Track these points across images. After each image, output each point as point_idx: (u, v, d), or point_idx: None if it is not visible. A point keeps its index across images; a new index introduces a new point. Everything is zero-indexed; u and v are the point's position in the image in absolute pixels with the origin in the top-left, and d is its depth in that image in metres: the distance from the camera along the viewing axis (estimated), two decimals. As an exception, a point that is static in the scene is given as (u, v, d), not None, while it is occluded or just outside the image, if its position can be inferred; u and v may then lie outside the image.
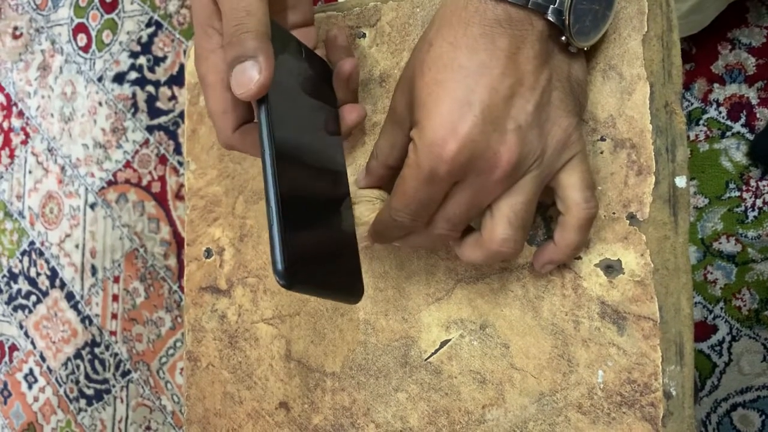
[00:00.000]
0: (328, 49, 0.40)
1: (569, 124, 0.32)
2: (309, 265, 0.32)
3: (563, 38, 0.32)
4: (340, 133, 0.40)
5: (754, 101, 0.87)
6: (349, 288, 0.35)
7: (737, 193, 0.87)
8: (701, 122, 0.89)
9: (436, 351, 0.40)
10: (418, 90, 0.32)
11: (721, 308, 0.87)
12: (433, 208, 0.33)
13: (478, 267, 0.39)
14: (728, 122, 0.88)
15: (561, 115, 0.32)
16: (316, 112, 0.38)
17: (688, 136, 0.90)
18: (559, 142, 0.32)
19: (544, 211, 0.37)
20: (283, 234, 0.30)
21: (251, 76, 0.31)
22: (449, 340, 0.40)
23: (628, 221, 0.35)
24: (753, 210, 0.86)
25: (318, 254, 0.33)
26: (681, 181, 0.34)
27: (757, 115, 0.86)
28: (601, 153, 0.36)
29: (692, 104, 0.90)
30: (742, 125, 0.87)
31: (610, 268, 0.35)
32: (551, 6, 0.30)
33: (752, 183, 0.86)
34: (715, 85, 0.89)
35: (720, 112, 0.88)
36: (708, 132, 0.89)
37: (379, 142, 0.38)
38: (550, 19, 0.31)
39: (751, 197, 0.86)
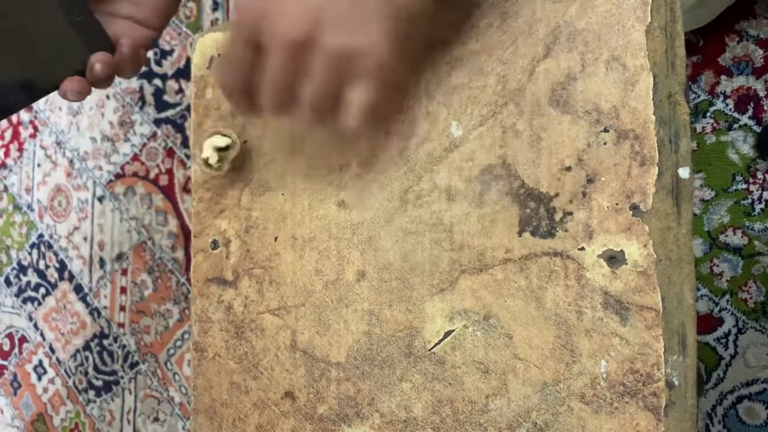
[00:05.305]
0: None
1: (376, 43, 0.34)
2: None
3: None
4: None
5: (761, 93, 0.86)
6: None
7: (744, 186, 0.86)
8: (708, 114, 0.89)
9: (440, 341, 0.40)
10: None
11: (727, 301, 0.87)
12: (242, 64, 0.37)
13: (481, 258, 0.39)
14: (735, 114, 0.87)
15: (373, 29, 0.34)
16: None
17: (695, 129, 0.89)
18: (356, 50, 0.35)
19: (548, 202, 0.37)
20: None
21: None
22: (453, 331, 0.40)
23: (631, 212, 0.35)
24: (760, 203, 0.85)
25: None
26: (684, 172, 0.34)
27: (765, 108, 0.86)
28: (605, 144, 0.36)
29: (699, 96, 0.90)
30: (750, 118, 0.87)
31: (613, 259, 0.35)
32: None
33: (759, 175, 0.85)
34: (723, 77, 0.88)
35: (727, 105, 0.88)
36: (715, 124, 0.88)
37: None
38: None
39: (758, 190, 0.85)
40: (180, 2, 0.47)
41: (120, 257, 1.43)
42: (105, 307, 1.45)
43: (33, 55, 0.43)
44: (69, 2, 0.42)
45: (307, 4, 0.34)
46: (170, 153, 1.37)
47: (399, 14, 0.34)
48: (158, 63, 1.39)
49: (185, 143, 1.35)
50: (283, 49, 0.35)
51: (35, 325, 1.58)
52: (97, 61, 0.43)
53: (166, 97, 1.38)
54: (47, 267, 1.56)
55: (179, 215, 1.35)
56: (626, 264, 0.35)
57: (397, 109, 0.42)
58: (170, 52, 1.38)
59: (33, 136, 1.61)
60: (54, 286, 1.55)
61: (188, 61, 1.35)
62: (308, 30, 0.34)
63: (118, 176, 1.45)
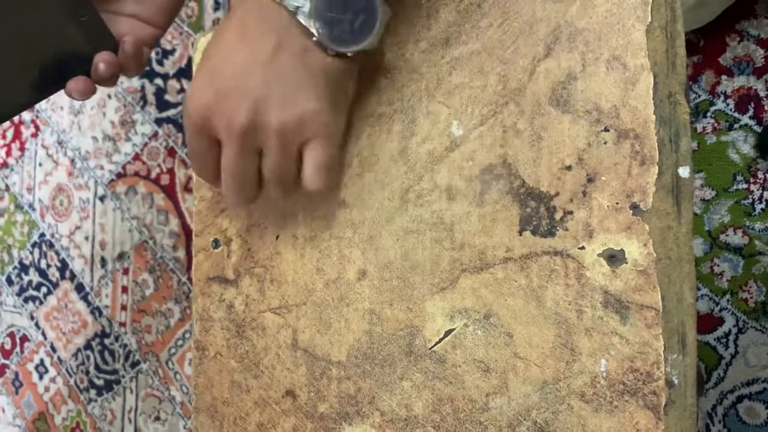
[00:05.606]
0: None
1: (314, 107, 0.38)
2: None
3: (314, 39, 0.37)
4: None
5: (762, 93, 0.86)
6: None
7: (744, 186, 0.86)
8: (709, 114, 0.89)
9: (441, 340, 0.40)
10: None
11: (728, 300, 0.87)
12: (207, 159, 0.41)
13: (482, 257, 0.39)
14: (736, 114, 0.87)
15: (307, 97, 0.37)
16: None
17: (695, 129, 0.89)
18: (299, 119, 0.38)
19: (548, 201, 0.37)
20: None
21: None
22: (453, 330, 0.40)
23: (631, 211, 0.35)
24: (760, 202, 0.85)
25: None
26: (684, 171, 0.34)
27: (765, 108, 0.86)
28: (605, 143, 0.36)
29: (700, 96, 0.90)
30: (750, 117, 0.87)
31: (613, 258, 0.35)
32: (299, 8, 0.36)
33: (760, 175, 0.85)
34: (723, 77, 0.88)
35: (728, 105, 0.88)
36: (715, 124, 0.88)
37: None
38: (301, 21, 0.36)
39: (758, 189, 0.85)
40: (183, 1, 0.47)
41: (121, 256, 1.43)
42: (106, 307, 1.45)
43: (38, 55, 0.43)
44: (73, 2, 0.42)
45: (243, 95, 0.37)
46: (171, 152, 1.37)
47: (324, 77, 0.38)
48: (160, 62, 1.39)
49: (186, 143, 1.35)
50: (233, 138, 0.38)
51: (36, 324, 1.58)
52: (101, 61, 0.44)
53: (167, 97, 1.38)
54: (49, 266, 1.56)
55: (180, 214, 1.35)
56: (626, 263, 0.35)
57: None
58: (172, 52, 1.38)
59: (34, 135, 1.61)
60: (55, 286, 1.55)
61: (190, 60, 1.35)
62: (252, 116, 0.37)
63: (119, 176, 1.45)
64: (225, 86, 0.37)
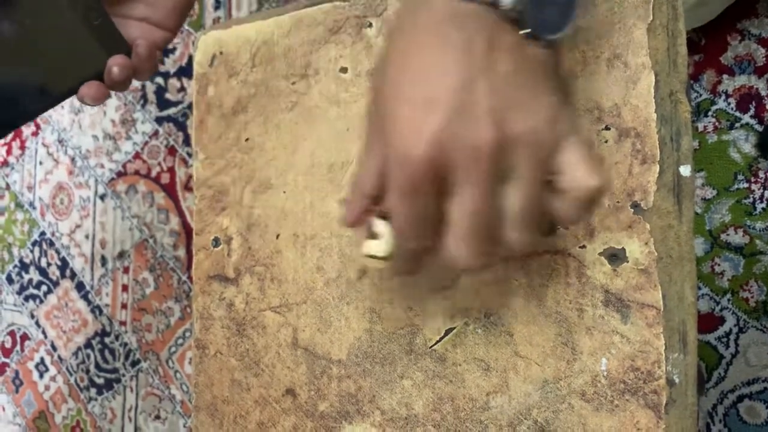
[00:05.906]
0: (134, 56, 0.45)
1: (554, 101, 0.31)
2: None
3: (523, 31, 0.31)
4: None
5: (763, 92, 0.86)
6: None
7: (745, 185, 0.86)
8: (710, 113, 0.89)
9: (441, 339, 0.40)
10: (381, 103, 0.32)
11: (728, 300, 0.87)
12: (429, 219, 0.32)
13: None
14: (737, 113, 0.87)
15: (541, 93, 0.31)
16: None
17: (696, 128, 0.89)
18: (547, 117, 0.30)
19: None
20: None
21: None
22: (454, 328, 0.40)
23: (632, 210, 0.35)
24: (761, 202, 0.85)
25: None
26: (685, 170, 0.34)
27: (767, 107, 0.86)
28: (606, 142, 0.36)
29: (701, 95, 0.90)
30: (751, 116, 0.86)
31: (614, 257, 0.35)
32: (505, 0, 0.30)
33: (761, 174, 0.85)
34: (724, 76, 0.88)
35: (729, 104, 0.88)
36: (717, 123, 0.88)
37: (359, 170, 0.35)
38: (505, 13, 0.30)
39: (759, 189, 0.85)
40: (193, 3, 0.47)
41: (122, 255, 1.43)
42: (107, 305, 1.45)
43: (50, 60, 0.43)
44: (85, 6, 0.42)
45: (475, 111, 0.30)
46: (172, 151, 1.37)
47: (545, 69, 0.32)
48: (160, 61, 1.39)
49: (187, 141, 1.35)
50: (480, 167, 0.30)
51: (37, 323, 1.58)
52: (115, 65, 0.43)
53: (167, 95, 1.38)
54: (49, 265, 1.56)
55: (181, 213, 1.35)
56: (627, 262, 0.35)
57: None
58: (172, 51, 1.38)
59: (35, 134, 1.61)
60: (56, 284, 1.55)
61: (190, 59, 1.35)
62: (496, 131, 0.30)
63: (119, 174, 1.45)
64: (451, 109, 0.30)
